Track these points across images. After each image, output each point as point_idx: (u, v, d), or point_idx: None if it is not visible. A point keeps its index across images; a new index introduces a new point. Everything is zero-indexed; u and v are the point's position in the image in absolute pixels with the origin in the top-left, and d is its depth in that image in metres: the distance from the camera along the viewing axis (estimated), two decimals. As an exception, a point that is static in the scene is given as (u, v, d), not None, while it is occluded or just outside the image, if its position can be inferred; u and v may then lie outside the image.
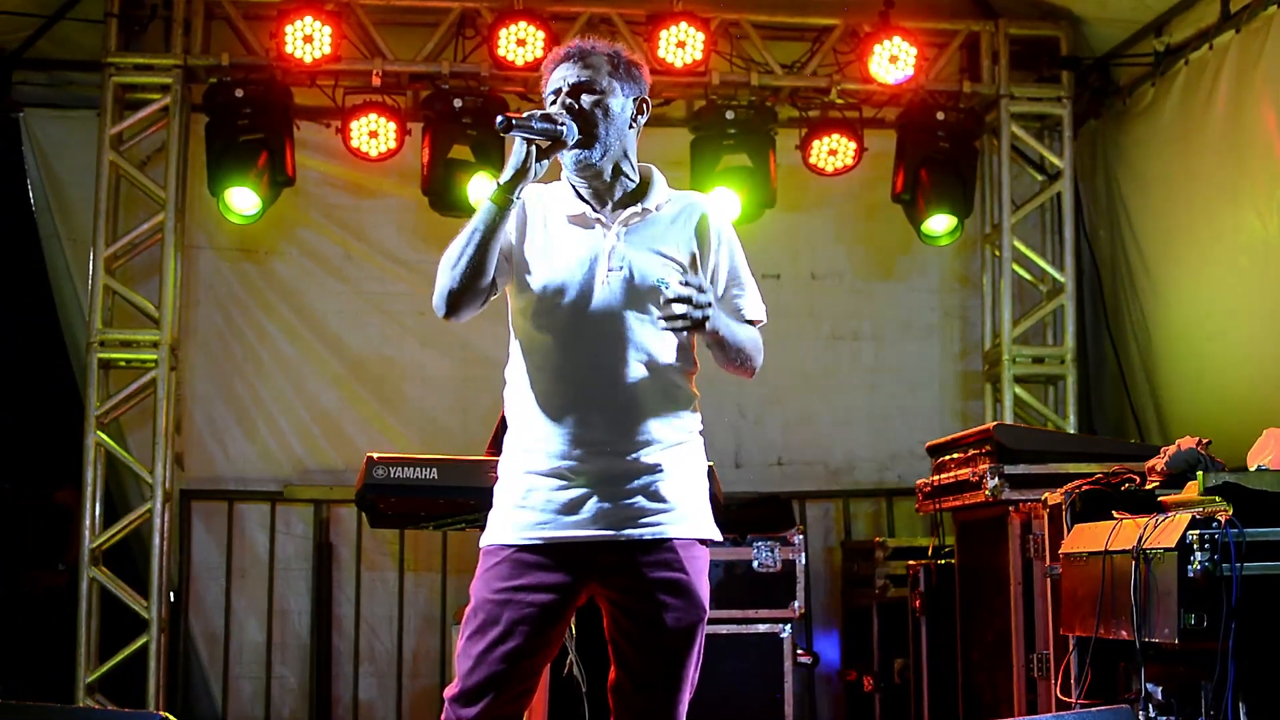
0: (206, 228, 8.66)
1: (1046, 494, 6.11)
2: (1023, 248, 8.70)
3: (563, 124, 3.67)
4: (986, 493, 6.53)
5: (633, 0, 8.42)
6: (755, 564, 7.03)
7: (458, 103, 8.05)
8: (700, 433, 3.91)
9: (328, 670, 8.56)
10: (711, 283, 3.83)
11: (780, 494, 8.49)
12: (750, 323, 3.95)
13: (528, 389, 3.79)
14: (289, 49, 7.92)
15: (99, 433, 7.93)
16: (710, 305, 3.62)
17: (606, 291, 3.74)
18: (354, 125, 8.13)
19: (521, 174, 3.66)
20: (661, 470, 3.76)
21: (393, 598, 8.71)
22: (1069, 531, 5.78)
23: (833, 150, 8.47)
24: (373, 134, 8.15)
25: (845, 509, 9.10)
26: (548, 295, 3.74)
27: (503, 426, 6.35)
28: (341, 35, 8.01)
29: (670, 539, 3.74)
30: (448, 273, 3.69)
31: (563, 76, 3.79)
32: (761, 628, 7.00)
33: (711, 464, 6.24)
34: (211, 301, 8.75)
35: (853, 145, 8.45)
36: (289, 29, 7.89)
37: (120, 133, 8.14)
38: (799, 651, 7.35)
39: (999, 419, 8.63)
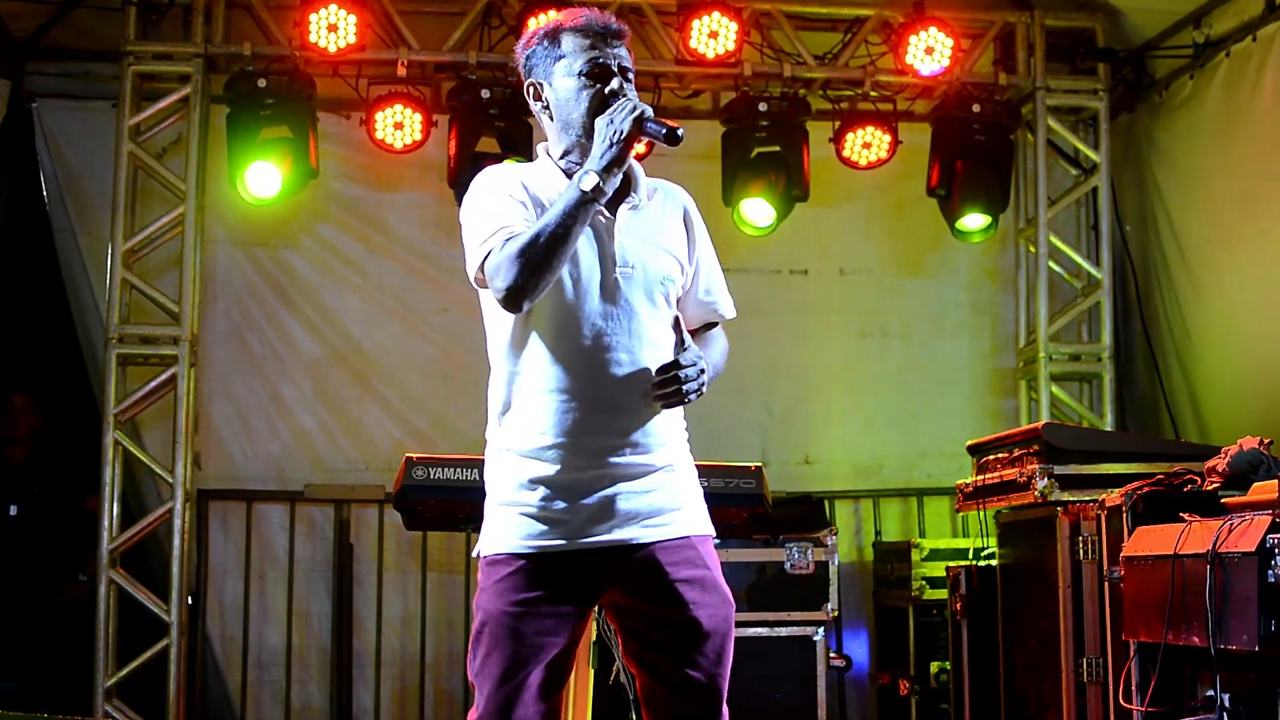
0: (225, 222, 8.48)
1: (1104, 495, 5.97)
2: (1059, 243, 8.55)
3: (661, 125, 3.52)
4: (1036, 494, 6.39)
5: (662, -11, 8.25)
6: (787, 565, 6.91)
7: (485, 93, 7.87)
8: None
9: (349, 673, 8.38)
10: (694, 278, 3.79)
11: (812, 494, 8.35)
12: (720, 319, 3.92)
13: (535, 380, 3.58)
14: (313, 38, 7.73)
15: (117, 432, 7.73)
16: (701, 377, 3.55)
17: (618, 290, 3.58)
18: (379, 116, 7.95)
19: (619, 166, 3.49)
20: (673, 469, 3.65)
21: (415, 600, 8.53)
22: (1129, 534, 5.64)
23: (867, 143, 8.32)
24: (398, 125, 7.98)
25: (875, 508, 8.93)
26: (554, 293, 3.53)
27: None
28: (366, 24, 7.82)
29: (688, 536, 3.62)
30: (524, 266, 3.42)
31: (607, 55, 3.60)
32: (793, 630, 6.85)
33: (760, 465, 6.17)
34: (229, 297, 8.57)
35: (887, 138, 8.30)
36: (313, 18, 7.70)
37: (138, 124, 7.93)
38: (831, 654, 7.22)
39: (1034, 417, 8.51)
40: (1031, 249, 8.61)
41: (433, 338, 8.72)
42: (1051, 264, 8.57)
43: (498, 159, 7.89)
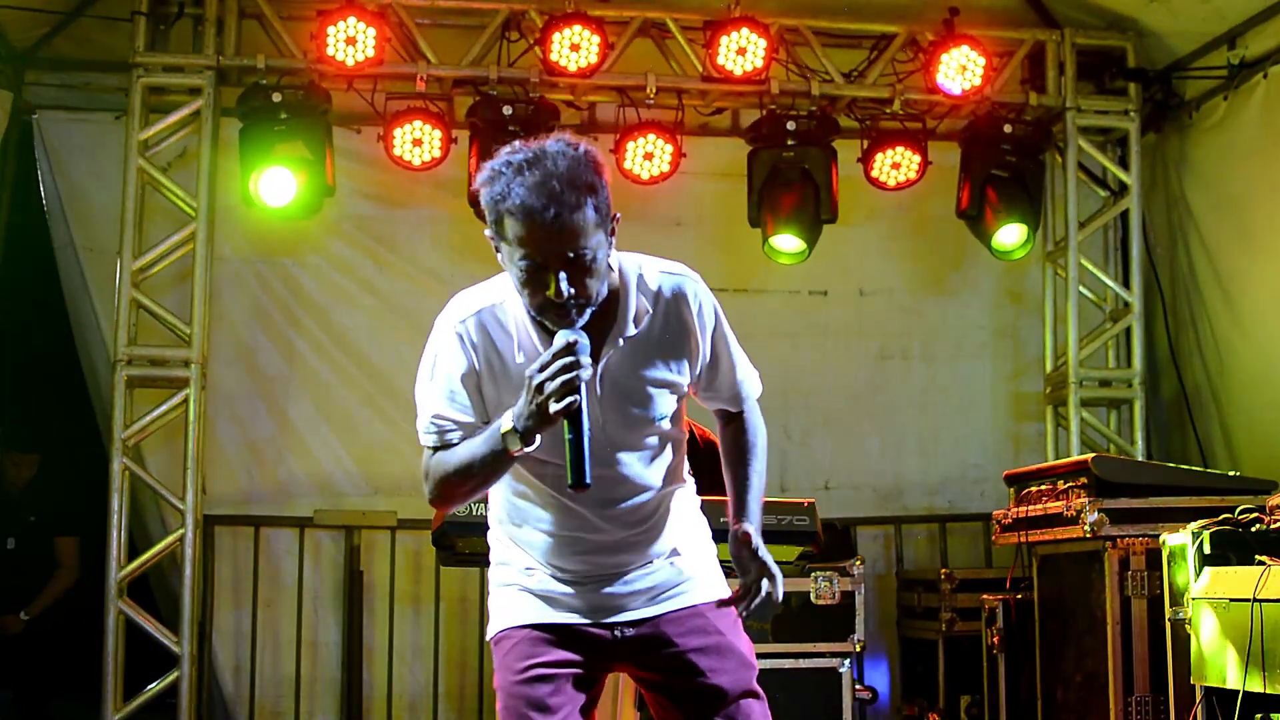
0: (232, 239, 8.24)
1: (1162, 530, 5.80)
2: (1090, 266, 8.39)
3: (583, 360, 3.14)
4: (1086, 528, 6.24)
5: (687, 5, 8.04)
6: (813, 595, 6.74)
7: (507, 110, 7.66)
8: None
9: (359, 705, 8.14)
10: (702, 370, 3.51)
11: (836, 521, 8.17)
12: (744, 401, 3.70)
13: (527, 516, 3.51)
14: (330, 51, 7.50)
15: (125, 457, 7.47)
16: (771, 583, 3.48)
17: (601, 441, 3.30)
18: (397, 133, 7.72)
19: (543, 428, 3.15)
20: (678, 554, 3.58)
21: (428, 630, 8.31)
22: (1196, 573, 5.46)
23: (896, 164, 8.15)
24: (416, 142, 7.76)
25: (898, 536, 8.76)
26: (539, 449, 3.23)
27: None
28: (384, 38, 7.59)
29: (695, 604, 3.55)
30: (445, 493, 3.44)
31: (542, 252, 3.14)
32: (819, 662, 6.66)
33: (813, 500, 5.99)
34: (235, 316, 8.34)
35: (916, 158, 8.13)
36: (331, 30, 7.47)
37: (147, 138, 7.67)
38: (858, 686, 7.05)
39: (1063, 443, 8.38)
40: (1061, 272, 8.45)
41: (445, 359, 8.46)
42: (1081, 287, 8.39)
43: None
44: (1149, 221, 8.62)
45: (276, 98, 7.57)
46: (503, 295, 3.40)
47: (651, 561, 3.51)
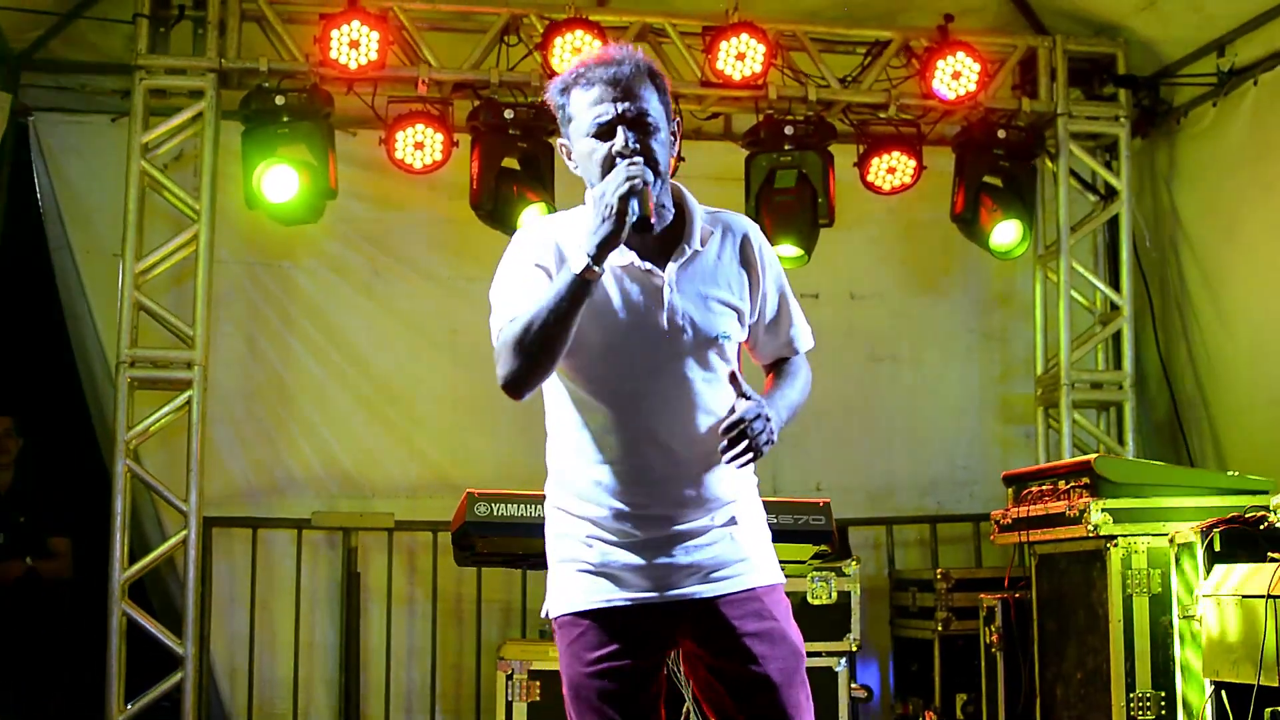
0: (229, 242, 8.22)
1: (1171, 530, 5.90)
2: (1081, 269, 8.51)
3: (647, 185, 3.31)
4: (1089, 527, 6.32)
5: (686, 11, 8.12)
6: (809, 595, 6.83)
7: (508, 113, 7.71)
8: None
9: (356, 706, 8.15)
10: (761, 312, 3.61)
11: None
12: (796, 352, 3.77)
13: (588, 452, 3.49)
14: (334, 54, 7.53)
15: (127, 459, 7.47)
16: (767, 426, 3.39)
17: (669, 351, 3.43)
18: (399, 136, 7.76)
19: (613, 244, 3.29)
20: (736, 523, 3.54)
21: (424, 631, 8.33)
22: (1206, 571, 5.57)
23: (891, 168, 8.25)
24: (418, 145, 7.79)
25: (890, 536, 8.85)
26: (606, 356, 3.42)
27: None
28: (387, 42, 7.62)
29: (754, 588, 3.52)
30: (519, 356, 3.32)
31: (610, 108, 3.38)
32: (815, 661, 6.68)
33: (828, 500, 6.05)
34: (233, 318, 8.35)
35: (912, 163, 8.23)
36: (335, 34, 7.50)
37: (148, 141, 7.67)
38: (853, 686, 7.15)
39: (1054, 445, 8.50)
40: (1052, 275, 8.57)
41: (441, 360, 8.54)
42: (1072, 291, 8.51)
43: (522, 176, 7.78)
44: (1138, 225, 8.75)
45: (280, 100, 7.59)
46: (572, 224, 3.51)
47: (711, 527, 3.49)
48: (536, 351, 3.31)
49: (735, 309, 3.52)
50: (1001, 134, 8.21)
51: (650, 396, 3.43)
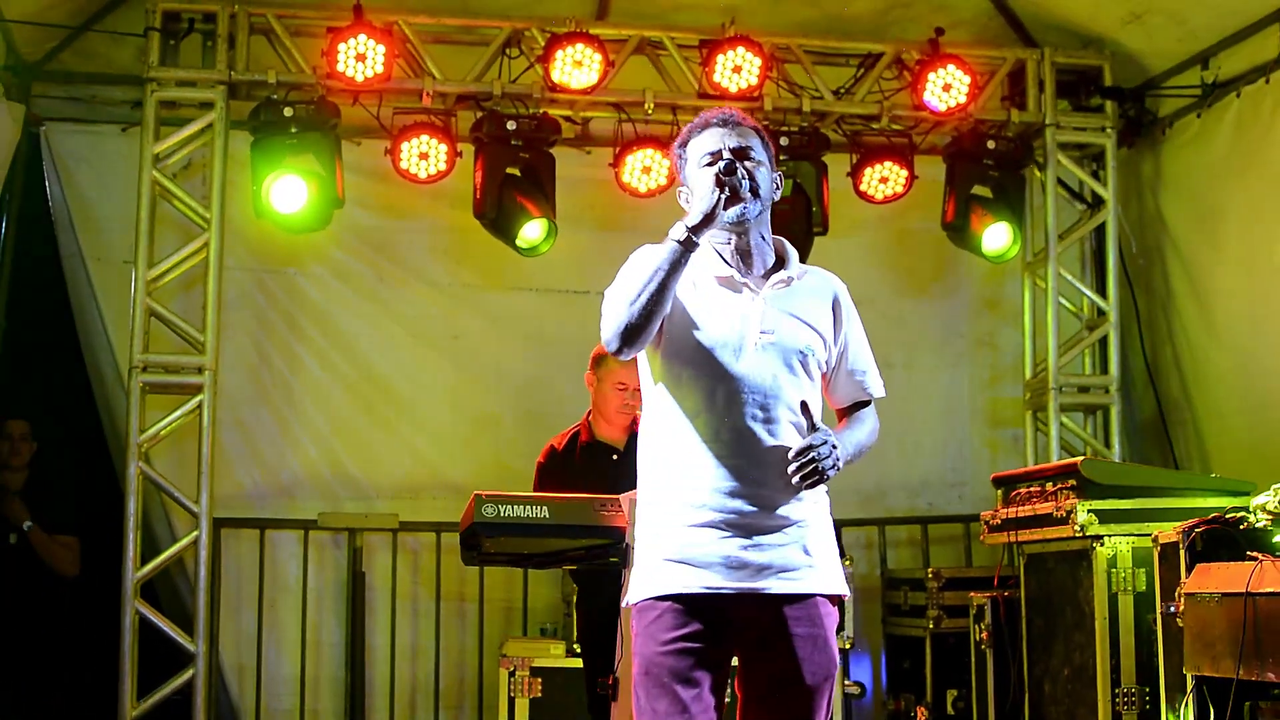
0: (238, 249, 8.38)
1: (1155, 530, 6.08)
2: (1069, 276, 8.69)
3: (742, 179, 3.82)
4: (1076, 528, 6.50)
5: (683, 24, 8.30)
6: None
7: (511, 125, 7.89)
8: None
9: (363, 703, 8.33)
10: (842, 355, 4.02)
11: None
12: (868, 401, 4.11)
13: (682, 444, 3.83)
14: (341, 67, 7.70)
15: (140, 462, 7.64)
16: (834, 453, 3.74)
17: (759, 354, 3.82)
18: (404, 147, 7.93)
19: (711, 219, 3.76)
20: (807, 525, 3.84)
21: (428, 629, 8.50)
22: (1187, 570, 5.75)
23: (884, 178, 8.43)
24: (423, 155, 7.96)
25: (882, 536, 9.02)
26: (702, 355, 3.82)
27: (547, 465, 6.23)
28: (392, 54, 7.80)
29: (813, 594, 3.80)
30: (626, 309, 3.74)
31: (719, 141, 3.90)
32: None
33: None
34: (242, 324, 8.51)
35: (904, 173, 8.41)
36: (342, 47, 7.67)
37: (159, 151, 7.85)
38: (847, 682, 7.33)
39: (1042, 448, 8.66)
40: (1040, 282, 8.74)
41: (444, 366, 8.70)
42: (1060, 297, 8.70)
43: (524, 186, 7.93)
44: (1125, 233, 8.93)
45: (288, 112, 7.77)
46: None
47: (787, 526, 3.77)
48: (638, 306, 3.72)
49: (818, 333, 3.92)
50: (991, 144, 8.41)
51: (739, 389, 3.79)
